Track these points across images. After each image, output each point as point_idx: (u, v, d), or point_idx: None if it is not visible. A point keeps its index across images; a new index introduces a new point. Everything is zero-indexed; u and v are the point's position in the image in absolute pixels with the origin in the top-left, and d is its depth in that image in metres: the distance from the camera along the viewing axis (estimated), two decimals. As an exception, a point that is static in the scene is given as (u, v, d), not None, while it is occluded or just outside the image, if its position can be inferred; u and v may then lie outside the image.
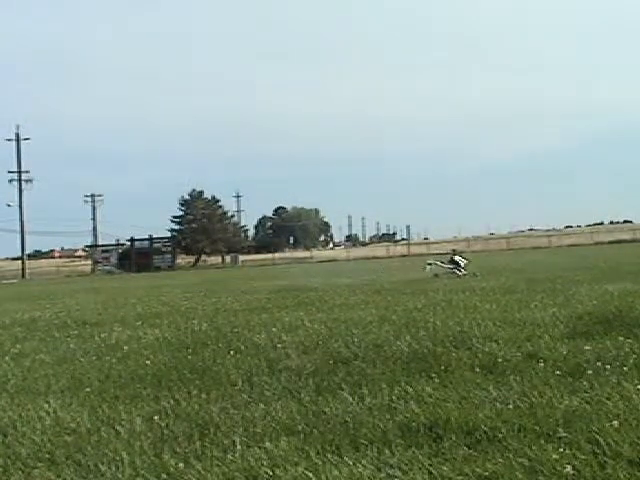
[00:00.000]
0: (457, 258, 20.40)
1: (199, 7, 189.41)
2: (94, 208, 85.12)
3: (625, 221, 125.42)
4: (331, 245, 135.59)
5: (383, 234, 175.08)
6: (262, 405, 5.15)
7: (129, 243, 70.74)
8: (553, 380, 5.26)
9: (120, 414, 5.19)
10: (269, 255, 76.70)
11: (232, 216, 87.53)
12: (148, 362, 7.41)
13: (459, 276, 19.09)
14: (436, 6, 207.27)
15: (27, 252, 72.46)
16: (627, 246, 46.71)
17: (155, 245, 69.22)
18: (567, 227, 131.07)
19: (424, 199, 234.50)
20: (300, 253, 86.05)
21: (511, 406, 4.60)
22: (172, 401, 5.49)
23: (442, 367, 5.96)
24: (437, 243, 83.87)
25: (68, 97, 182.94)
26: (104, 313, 14.65)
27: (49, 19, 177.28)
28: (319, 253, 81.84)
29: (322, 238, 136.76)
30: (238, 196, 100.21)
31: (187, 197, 77.82)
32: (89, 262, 75.72)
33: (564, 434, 3.97)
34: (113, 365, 7.44)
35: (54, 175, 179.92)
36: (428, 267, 20.31)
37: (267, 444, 4.19)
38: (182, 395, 5.66)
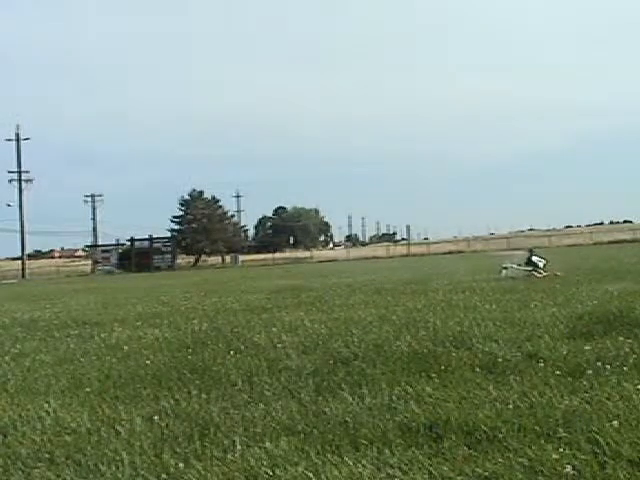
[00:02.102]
0: (535, 259, 18.28)
1: (199, 7, 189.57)
2: (94, 208, 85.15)
3: (625, 221, 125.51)
4: (331, 245, 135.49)
5: (383, 234, 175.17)
6: (262, 405, 5.15)
7: (129, 243, 70.67)
8: (553, 380, 5.26)
9: (120, 414, 5.19)
10: (269, 255, 76.60)
11: (232, 216, 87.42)
12: (148, 362, 7.41)
13: (538, 278, 17.12)
14: (435, 7, 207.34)
15: (27, 252, 72.40)
16: (627, 246, 46.64)
17: (155, 245, 69.12)
18: (567, 227, 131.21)
19: (424, 199, 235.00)
20: (300, 253, 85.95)
21: (511, 406, 4.60)
22: (172, 401, 5.49)
23: (442, 367, 5.96)
24: (437, 243, 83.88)
25: (68, 97, 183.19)
26: (104, 313, 14.64)
27: (49, 19, 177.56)
28: (319, 253, 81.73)
29: (322, 238, 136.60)
30: (238, 196, 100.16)
31: (187, 197, 77.75)
32: (89, 262, 75.59)
33: (564, 434, 3.97)
34: (113, 365, 7.44)
35: (54, 175, 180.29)
36: (504, 272, 18.35)
37: (267, 444, 4.19)
38: (182, 395, 5.66)
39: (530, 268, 17.95)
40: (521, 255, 19.88)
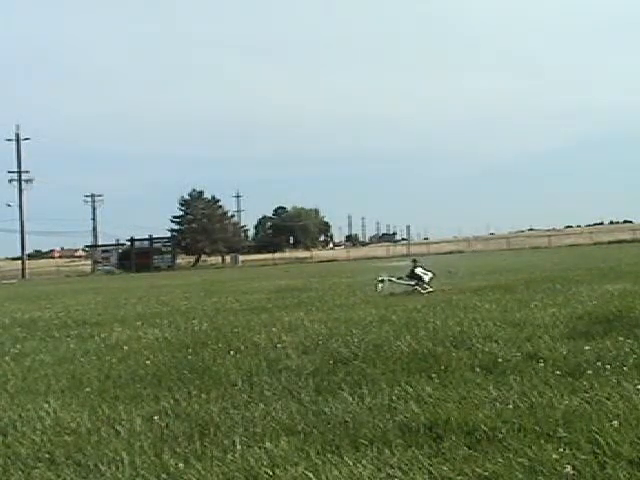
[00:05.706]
0: (419, 271, 15.62)
1: (199, 7, 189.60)
2: (94, 208, 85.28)
3: (625, 221, 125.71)
4: (331, 245, 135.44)
5: (383, 234, 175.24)
6: (262, 405, 5.15)
7: (129, 243, 70.73)
8: (553, 380, 5.26)
9: (120, 414, 5.19)
10: (269, 255, 76.53)
11: (232, 216, 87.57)
12: (148, 362, 7.41)
13: (423, 294, 14.50)
14: (435, 7, 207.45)
15: (27, 252, 72.46)
16: (627, 246, 46.66)
17: (155, 245, 69.18)
18: (567, 227, 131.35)
19: (424, 199, 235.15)
20: (300, 253, 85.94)
21: (511, 406, 4.60)
22: (172, 401, 5.49)
23: (442, 367, 5.96)
24: (437, 243, 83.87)
25: (68, 97, 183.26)
26: (104, 313, 14.65)
27: (49, 19, 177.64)
28: (319, 253, 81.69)
29: (322, 238, 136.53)
30: (238, 196, 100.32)
31: (187, 197, 77.86)
32: (89, 262, 75.72)
33: (564, 434, 3.96)
34: (113, 365, 7.44)
35: (54, 175, 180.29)
36: (380, 285, 15.33)
37: (267, 444, 4.19)
38: (182, 395, 5.67)
39: (413, 282, 15.33)
40: (403, 266, 17.39)
